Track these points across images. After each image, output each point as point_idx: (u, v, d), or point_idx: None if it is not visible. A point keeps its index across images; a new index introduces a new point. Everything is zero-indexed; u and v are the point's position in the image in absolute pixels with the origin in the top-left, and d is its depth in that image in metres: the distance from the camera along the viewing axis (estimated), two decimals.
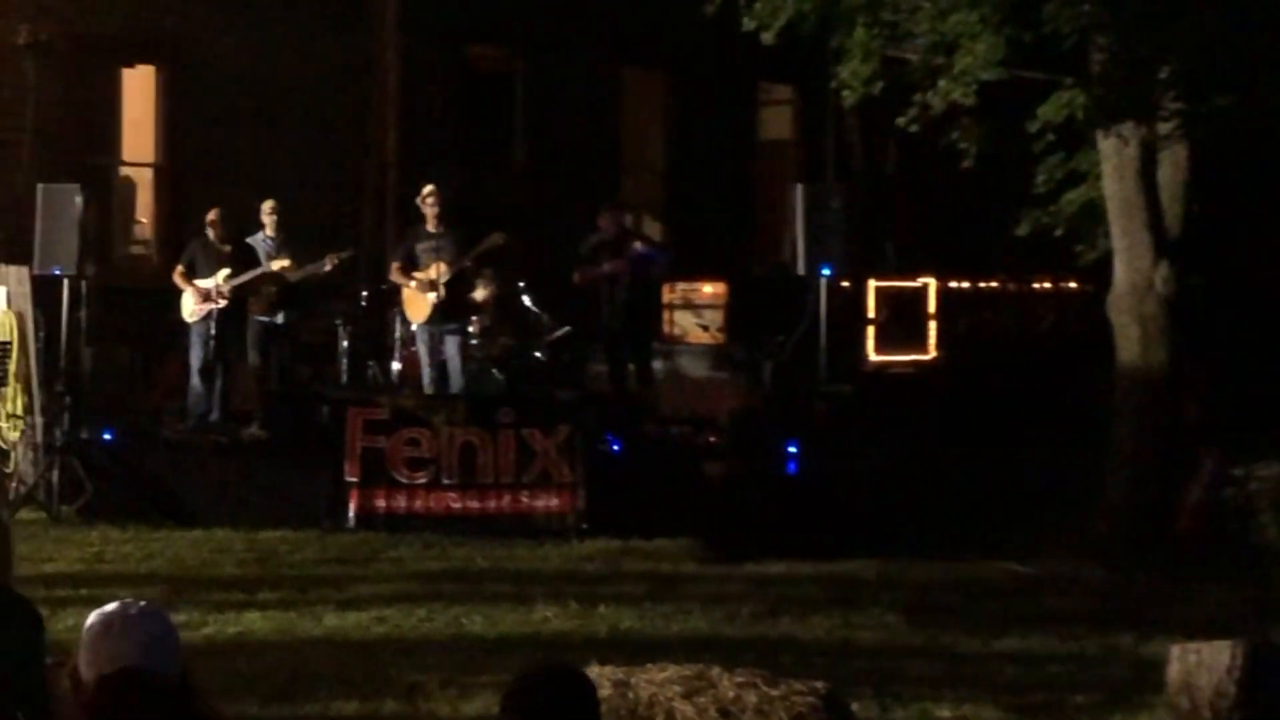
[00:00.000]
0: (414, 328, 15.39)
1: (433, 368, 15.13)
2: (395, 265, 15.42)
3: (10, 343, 14.66)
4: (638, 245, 15.65)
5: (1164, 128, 12.77)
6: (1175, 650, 8.29)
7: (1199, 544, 13.00)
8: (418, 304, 15.15)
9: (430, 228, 15.11)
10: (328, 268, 15.18)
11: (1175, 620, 10.71)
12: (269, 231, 15.35)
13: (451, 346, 15.12)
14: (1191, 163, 13.04)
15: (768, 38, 12.85)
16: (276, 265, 15.14)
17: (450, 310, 15.10)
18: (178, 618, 9.92)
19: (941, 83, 12.28)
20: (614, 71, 21.52)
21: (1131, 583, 12.09)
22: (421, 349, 15.32)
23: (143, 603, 3.79)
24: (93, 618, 3.78)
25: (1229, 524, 12.69)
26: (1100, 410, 13.58)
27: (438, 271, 14.90)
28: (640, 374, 15.77)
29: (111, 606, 3.78)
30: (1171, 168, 13.00)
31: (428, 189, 15.21)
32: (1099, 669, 9.89)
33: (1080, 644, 10.42)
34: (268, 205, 15.36)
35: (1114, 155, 12.81)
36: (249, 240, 15.35)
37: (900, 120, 12.91)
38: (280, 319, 15.24)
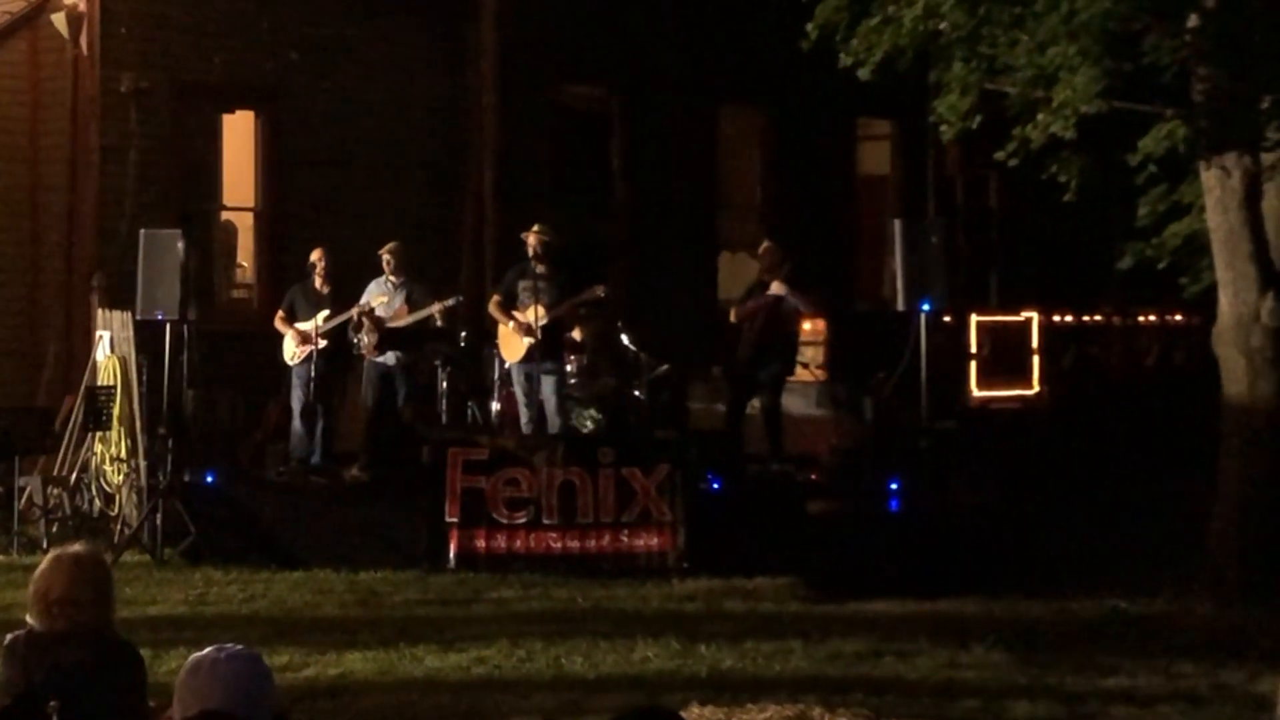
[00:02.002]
0: (509, 367, 15.39)
1: (530, 407, 15.12)
2: (495, 299, 15.39)
3: (114, 387, 14.84)
4: (776, 286, 15.61)
5: (1268, 159, 12.58)
6: None
7: None
8: (513, 344, 15.13)
9: (534, 267, 15.07)
10: (438, 316, 15.23)
11: None
12: (389, 275, 15.39)
13: (548, 387, 15.09)
14: None
15: (864, 73, 12.78)
16: (377, 304, 15.16)
17: (546, 351, 15.07)
18: (279, 659, 10.04)
19: (1041, 116, 12.15)
20: (711, 109, 21.53)
21: (1240, 619, 11.87)
22: (517, 389, 15.31)
23: (237, 647, 3.79)
24: (188, 661, 3.78)
25: None
26: (1208, 444, 13.37)
27: (535, 314, 14.86)
28: (765, 413, 15.69)
29: (205, 650, 3.78)
30: (1276, 199, 12.80)
31: (536, 227, 15.17)
32: (1209, 707, 9.71)
33: (1190, 682, 10.24)
34: (386, 249, 15.40)
35: (1217, 187, 12.63)
36: (372, 284, 15.38)
37: (999, 154, 12.79)
38: (392, 360, 15.28)
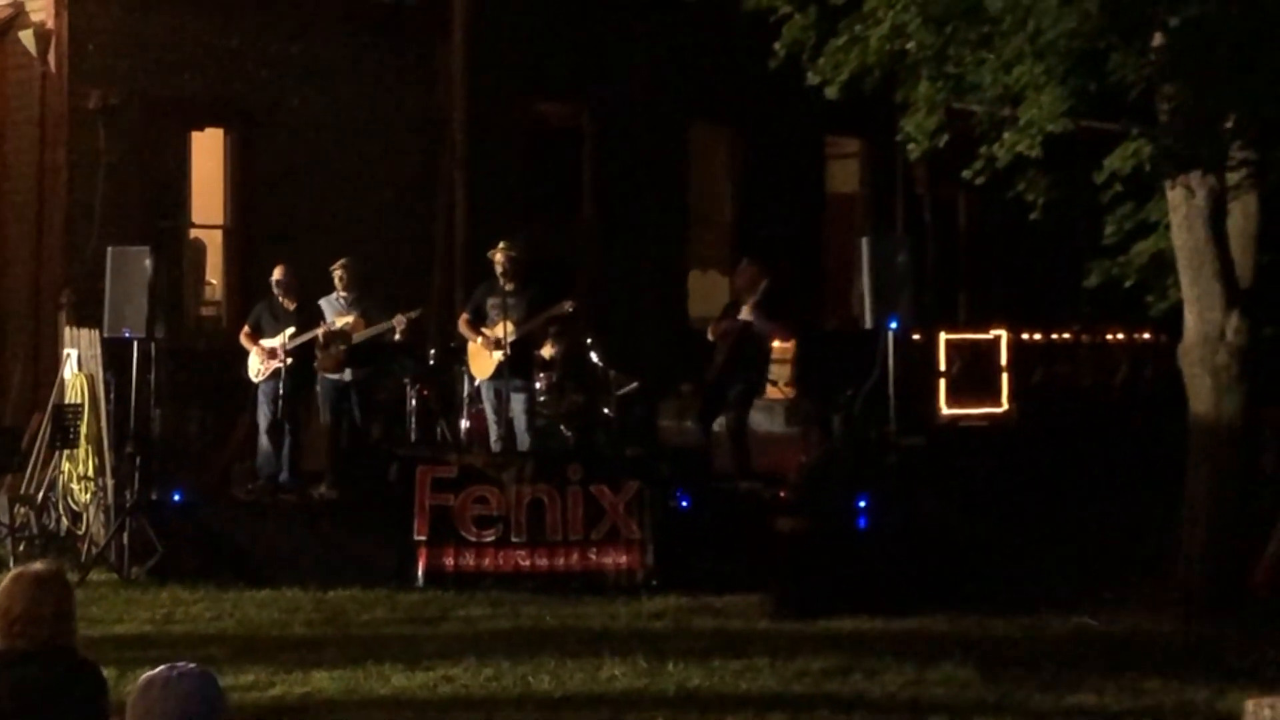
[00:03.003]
0: (479, 384, 15.42)
1: (499, 424, 15.14)
2: (463, 317, 15.47)
3: (81, 405, 14.79)
4: (745, 311, 15.64)
5: (1233, 177, 12.64)
6: (1250, 705, 8.14)
7: (1275, 597, 12.81)
8: (482, 360, 15.18)
9: (502, 284, 15.13)
10: (398, 329, 15.22)
11: (1250, 674, 10.55)
12: (340, 291, 15.43)
13: (517, 404, 15.14)
14: (1262, 212, 12.91)
15: (831, 92, 12.80)
16: (340, 323, 15.22)
17: (516, 367, 15.11)
18: (245, 678, 10.03)
19: (1007, 134, 12.20)
20: (681, 126, 21.59)
21: (1207, 636, 11.91)
22: (487, 406, 15.35)
23: (190, 665, 3.77)
24: (140, 680, 3.77)
25: None
26: (1176, 462, 13.41)
27: (504, 330, 14.91)
28: (730, 432, 15.71)
29: (158, 669, 3.76)
30: (1241, 217, 12.87)
31: (502, 244, 15.23)
32: None
33: (1156, 699, 10.26)
34: (338, 265, 15.44)
35: (1182, 205, 12.68)
36: (322, 301, 15.43)
37: (966, 173, 12.82)
38: (348, 376, 15.28)
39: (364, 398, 15.49)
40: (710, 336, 15.94)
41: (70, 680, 5.31)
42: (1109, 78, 12.09)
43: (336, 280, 15.42)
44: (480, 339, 15.13)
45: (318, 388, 15.47)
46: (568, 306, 15.12)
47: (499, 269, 15.13)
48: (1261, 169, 12.62)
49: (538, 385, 15.61)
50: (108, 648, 10.23)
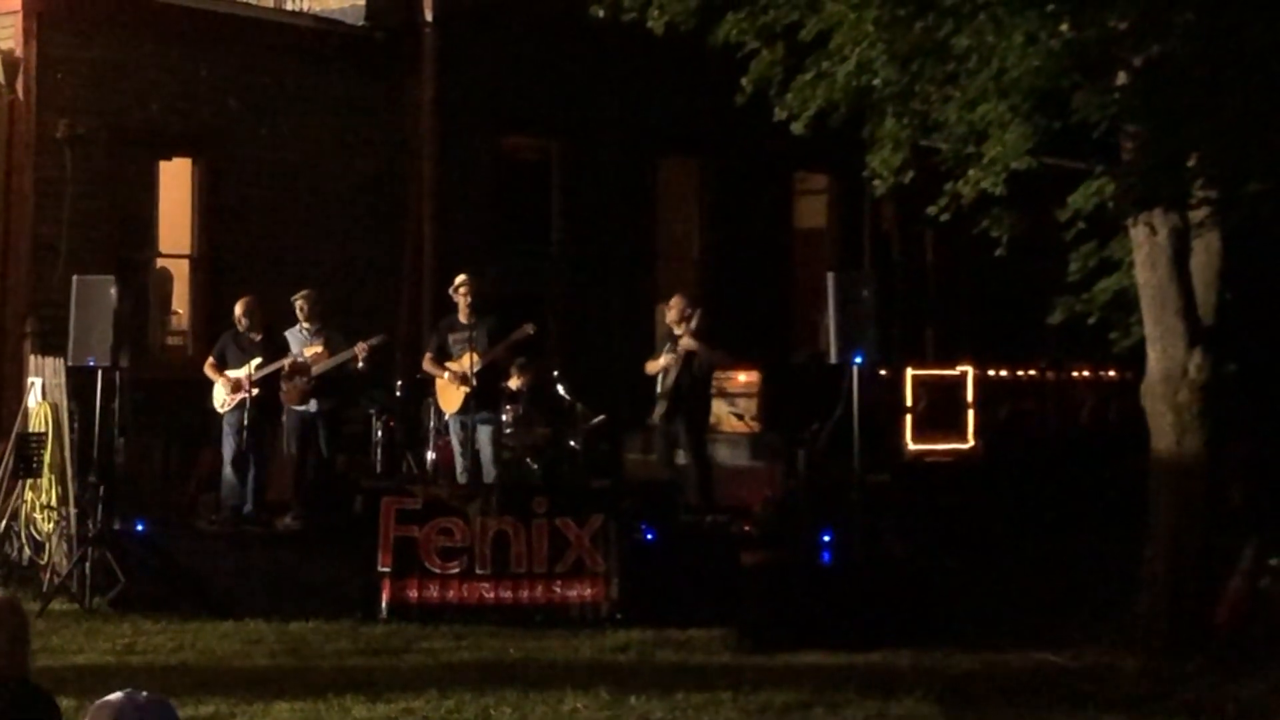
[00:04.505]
0: (447, 418, 15.43)
1: (466, 457, 15.14)
2: (428, 356, 15.51)
3: (45, 434, 14.73)
4: (684, 342, 15.62)
5: (1195, 215, 12.71)
6: None
7: (1238, 634, 12.85)
8: (450, 395, 15.21)
9: (462, 318, 15.22)
10: (360, 357, 15.19)
11: (1213, 710, 10.58)
12: (304, 322, 15.43)
13: (484, 435, 15.15)
14: (1224, 250, 12.97)
15: (798, 128, 12.85)
16: (308, 354, 15.21)
17: (483, 400, 15.12)
18: (206, 709, 10.00)
19: (971, 172, 12.25)
20: (650, 160, 21.63)
21: (1168, 672, 11.93)
22: (454, 439, 15.36)
23: (144, 693, 3.75)
24: (92, 706, 3.75)
25: (1267, 613, 12.53)
26: (1140, 499, 13.46)
27: (470, 362, 14.94)
28: (688, 467, 15.67)
29: (113, 696, 3.74)
30: (1204, 255, 12.93)
31: (460, 279, 15.31)
32: None
33: None
34: (300, 296, 15.43)
35: (1145, 243, 12.75)
36: (288, 333, 15.41)
37: (932, 209, 12.87)
38: (314, 408, 15.26)
39: (331, 429, 15.46)
40: (647, 371, 15.88)
41: (24, 710, 5.28)
42: (1073, 116, 12.15)
43: (299, 311, 15.42)
44: (447, 374, 15.16)
45: (284, 419, 15.45)
46: (528, 329, 15.12)
47: (459, 302, 15.21)
48: (1224, 207, 12.68)
49: (504, 417, 15.61)
50: (68, 678, 10.21)
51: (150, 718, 3.68)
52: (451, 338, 15.26)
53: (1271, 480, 17.18)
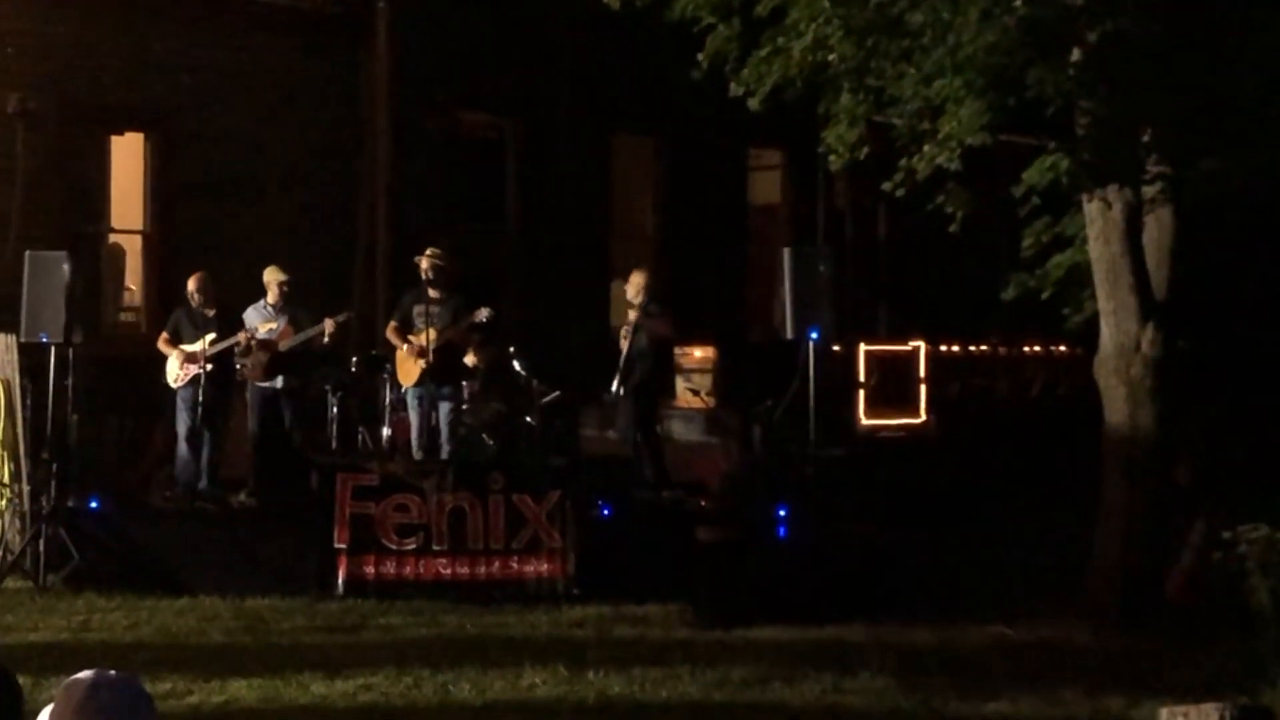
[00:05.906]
0: (402, 391, 15.41)
1: (422, 433, 15.13)
2: (392, 325, 15.48)
3: None
4: (633, 314, 15.65)
5: (1149, 191, 12.79)
6: (1164, 713, 8.27)
7: (1189, 607, 12.96)
8: (408, 368, 15.21)
9: (428, 291, 15.16)
10: (327, 333, 15.16)
11: (1164, 683, 10.66)
12: (270, 299, 15.37)
13: (443, 411, 15.15)
14: (1178, 226, 13.06)
15: (754, 104, 12.88)
16: (265, 330, 15.17)
17: (444, 375, 15.11)
18: (163, 686, 9.97)
19: (926, 148, 12.30)
20: (604, 137, 21.61)
21: (1121, 646, 12.03)
22: (412, 414, 15.35)
23: (112, 672, 3.73)
24: (61, 686, 3.74)
25: (1218, 587, 12.64)
26: (1092, 473, 13.55)
27: (428, 338, 14.93)
28: (639, 442, 15.67)
29: (82, 675, 3.72)
30: (1157, 230, 13.02)
31: (429, 251, 15.24)
32: None
33: (1069, 708, 10.37)
34: (280, 280, 15.36)
35: (1099, 219, 12.83)
36: (250, 309, 15.35)
37: (886, 185, 12.91)
38: (280, 384, 15.23)
39: (295, 406, 15.42)
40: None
41: None
42: (1028, 92, 12.20)
43: (276, 290, 15.37)
44: (406, 346, 15.15)
45: (247, 395, 15.40)
46: (483, 315, 15.09)
47: (424, 275, 15.16)
48: (1177, 183, 12.77)
49: (464, 394, 15.60)
50: (23, 656, 10.17)
51: (123, 697, 3.66)
52: (416, 310, 15.23)
53: (1223, 455, 17.30)
